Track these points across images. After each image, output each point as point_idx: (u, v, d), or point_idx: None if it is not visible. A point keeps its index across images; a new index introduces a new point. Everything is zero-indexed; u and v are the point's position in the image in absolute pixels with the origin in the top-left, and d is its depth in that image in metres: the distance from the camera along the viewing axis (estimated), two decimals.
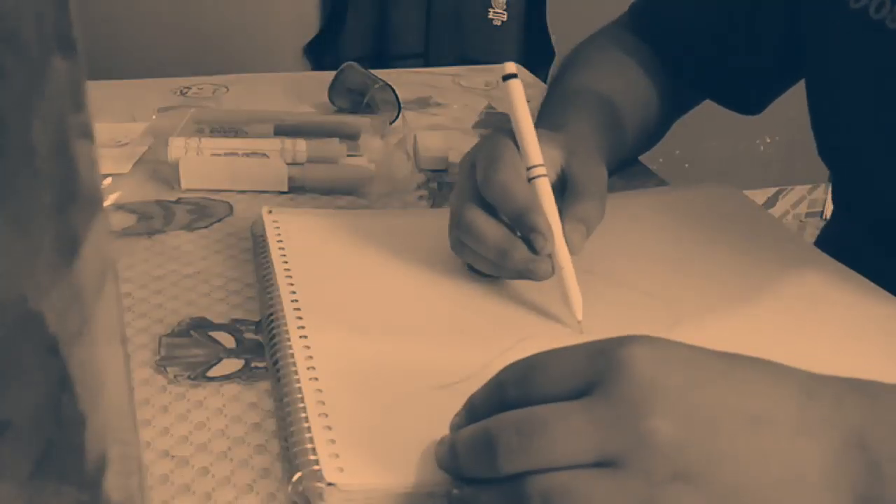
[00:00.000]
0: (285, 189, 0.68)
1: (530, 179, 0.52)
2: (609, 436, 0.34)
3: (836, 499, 0.34)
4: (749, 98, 0.73)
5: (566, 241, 0.51)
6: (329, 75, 0.85)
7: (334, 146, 0.70)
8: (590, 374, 0.36)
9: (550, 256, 0.51)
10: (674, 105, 0.75)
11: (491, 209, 0.52)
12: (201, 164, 0.68)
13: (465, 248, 0.53)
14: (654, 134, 0.74)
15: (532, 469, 0.34)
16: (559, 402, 0.35)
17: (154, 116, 0.80)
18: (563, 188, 0.54)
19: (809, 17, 0.64)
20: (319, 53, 1.69)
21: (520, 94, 0.53)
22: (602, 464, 0.34)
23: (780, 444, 0.34)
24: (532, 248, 0.50)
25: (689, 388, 0.35)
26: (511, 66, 0.54)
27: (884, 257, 0.57)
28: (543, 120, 0.64)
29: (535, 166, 0.52)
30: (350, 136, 0.72)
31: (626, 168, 0.72)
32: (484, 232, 0.51)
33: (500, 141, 0.53)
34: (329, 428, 0.41)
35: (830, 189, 0.71)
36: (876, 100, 0.59)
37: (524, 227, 0.50)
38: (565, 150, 0.55)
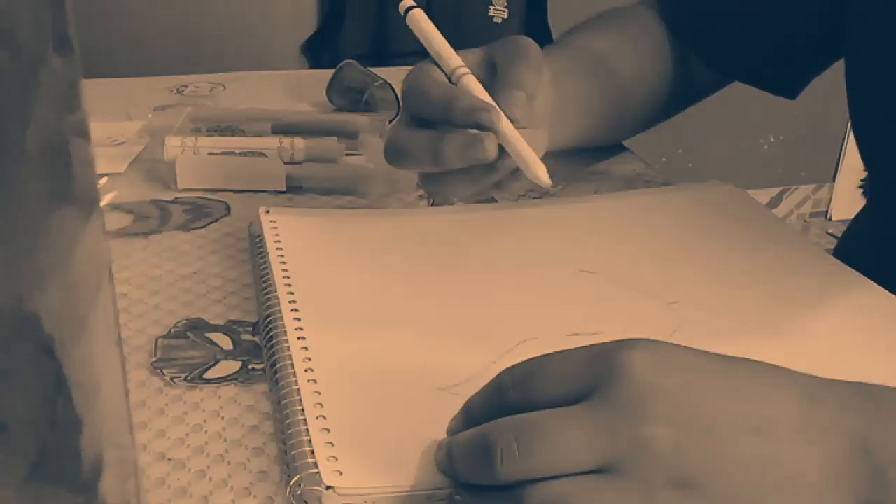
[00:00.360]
0: (283, 188, 0.68)
1: (455, 83, 0.50)
2: (607, 442, 0.33)
3: (839, 503, 0.34)
4: (788, 79, 0.71)
5: (505, 113, 0.47)
6: (327, 73, 0.85)
7: (333, 145, 0.70)
8: (589, 377, 0.35)
9: (496, 134, 0.47)
10: (689, 88, 0.73)
11: (424, 125, 0.50)
12: (198, 163, 0.68)
13: (427, 177, 0.51)
14: (660, 109, 0.73)
15: (531, 476, 0.34)
16: (558, 408, 0.35)
17: (150, 115, 0.80)
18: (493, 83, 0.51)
19: (851, 12, 0.63)
20: (318, 51, 1.69)
21: (425, 20, 0.53)
22: (601, 470, 0.34)
23: (781, 449, 0.34)
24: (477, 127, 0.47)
25: (688, 393, 0.34)
26: (408, 2, 0.54)
27: None
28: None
29: (455, 67, 0.51)
30: (349, 135, 0.72)
31: (628, 138, 0.71)
32: (409, 143, 0.49)
33: (419, 65, 0.52)
34: (327, 430, 0.41)
35: (868, 181, 0.70)
36: None
37: (459, 116, 0.47)
38: (484, 49, 0.54)
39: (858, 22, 0.62)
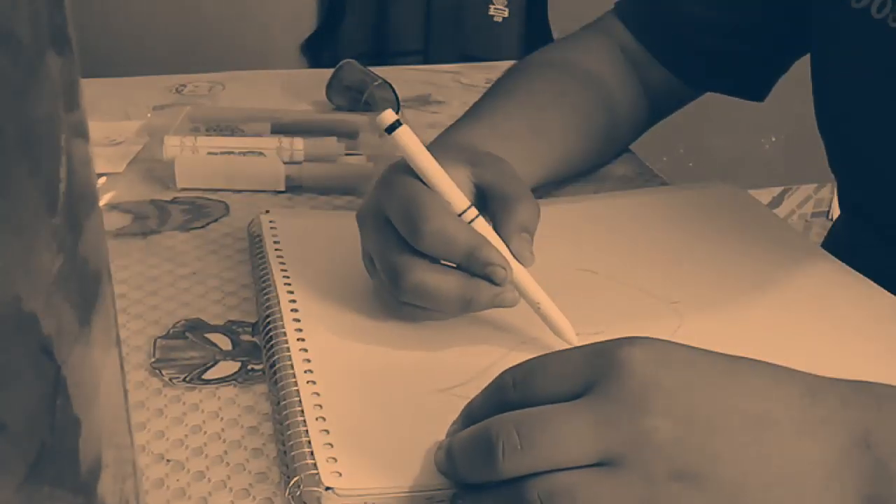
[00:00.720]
0: (282, 188, 0.68)
1: (469, 223, 0.48)
2: (609, 435, 0.34)
3: (842, 498, 0.34)
4: (753, 83, 0.72)
5: (516, 257, 0.48)
6: (327, 73, 0.85)
7: (332, 145, 0.70)
8: (589, 374, 0.35)
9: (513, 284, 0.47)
10: (655, 105, 0.74)
11: (427, 257, 0.47)
12: (197, 162, 0.67)
13: (417, 309, 0.48)
14: (624, 137, 0.74)
15: (534, 470, 0.34)
16: (559, 403, 0.35)
17: (149, 114, 0.80)
18: (482, 203, 0.50)
19: (815, 16, 0.64)
20: (317, 50, 1.69)
21: (413, 141, 0.47)
22: (603, 463, 0.34)
23: (782, 443, 0.34)
24: (491, 281, 0.46)
25: (688, 388, 0.35)
26: (390, 116, 0.47)
27: (891, 258, 0.57)
28: (468, 113, 0.63)
29: (465, 210, 0.48)
30: (348, 135, 0.72)
31: (613, 160, 0.72)
32: (439, 287, 0.46)
33: (410, 186, 0.47)
34: (326, 432, 0.41)
35: (836, 191, 0.71)
36: (880, 100, 0.59)
37: (477, 266, 0.46)
38: (470, 165, 0.51)
39: (825, 37, 0.63)
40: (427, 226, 0.46)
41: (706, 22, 0.70)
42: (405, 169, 0.48)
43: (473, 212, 0.48)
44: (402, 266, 0.46)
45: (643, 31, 0.72)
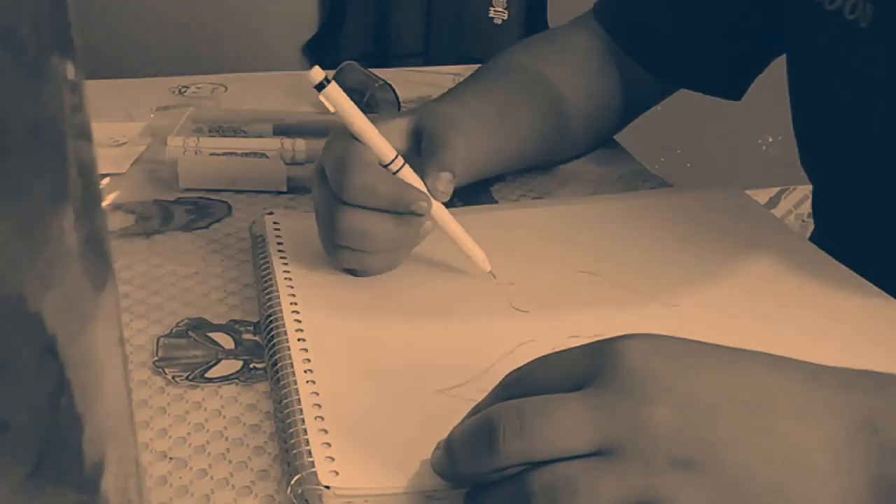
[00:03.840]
0: (284, 189, 0.68)
1: (395, 173, 0.52)
2: (608, 423, 0.34)
3: (849, 481, 0.34)
4: (730, 81, 0.72)
5: (430, 192, 0.52)
6: (329, 74, 0.85)
7: None
8: (589, 368, 0.36)
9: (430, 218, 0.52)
10: (633, 100, 0.74)
11: (363, 209, 0.52)
12: (200, 163, 0.68)
13: (350, 252, 0.53)
14: (604, 129, 0.75)
15: (533, 456, 0.34)
16: (559, 393, 0.35)
17: (152, 115, 0.80)
18: (418, 149, 0.55)
19: (790, 18, 0.64)
20: (319, 52, 1.69)
21: (341, 97, 0.51)
22: (603, 452, 0.34)
23: (784, 428, 0.34)
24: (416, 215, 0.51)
25: (686, 376, 0.35)
26: (318, 74, 0.50)
27: (863, 267, 0.56)
28: (442, 95, 0.66)
29: (392, 161, 0.52)
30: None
31: (597, 149, 0.73)
32: (366, 228, 0.52)
33: (341, 143, 0.52)
34: (325, 431, 0.41)
35: (812, 200, 0.71)
36: (854, 102, 0.59)
37: (402, 207, 0.51)
38: (411, 115, 0.57)
39: (800, 40, 0.63)
40: (350, 180, 0.51)
41: (679, 18, 0.70)
42: (343, 130, 0.53)
43: (399, 161, 0.52)
44: (336, 214, 0.52)
45: (617, 29, 0.73)
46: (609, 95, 0.73)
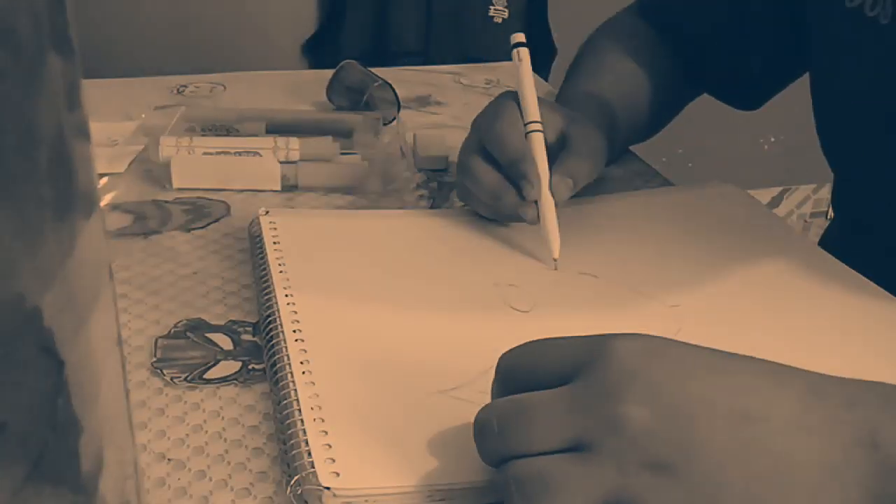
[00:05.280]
0: (278, 188, 0.68)
1: (527, 134, 0.58)
2: (584, 420, 0.34)
3: (842, 495, 0.33)
4: (748, 94, 0.74)
5: (552, 191, 0.57)
6: (328, 73, 0.85)
7: (327, 144, 0.70)
8: (579, 360, 0.36)
9: (536, 203, 0.56)
10: (678, 99, 0.76)
11: (492, 160, 0.58)
12: (193, 163, 0.68)
13: (468, 192, 0.60)
14: (653, 128, 0.76)
15: (509, 454, 0.35)
16: (542, 391, 0.36)
17: (143, 115, 0.80)
18: (560, 151, 0.59)
19: (812, 17, 0.64)
20: (318, 52, 1.69)
21: (526, 60, 0.60)
22: (579, 448, 0.34)
23: (770, 440, 0.33)
24: (521, 194, 0.56)
25: (673, 380, 0.34)
26: (520, 36, 0.61)
27: (885, 257, 0.57)
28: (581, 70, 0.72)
29: (531, 122, 0.58)
30: (343, 134, 0.72)
31: (620, 158, 0.74)
32: (481, 177, 0.58)
33: (504, 101, 0.60)
34: (325, 432, 0.41)
35: (832, 192, 0.71)
36: (875, 97, 0.59)
37: (516, 174, 0.56)
38: (566, 117, 0.61)
39: (822, 37, 0.64)
40: (495, 127, 0.58)
41: (709, 25, 0.71)
42: (510, 93, 0.60)
43: (538, 126, 0.58)
44: (469, 156, 0.59)
45: (653, 25, 0.75)
46: (660, 99, 0.75)
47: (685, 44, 0.73)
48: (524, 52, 0.61)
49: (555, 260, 0.56)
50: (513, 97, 0.60)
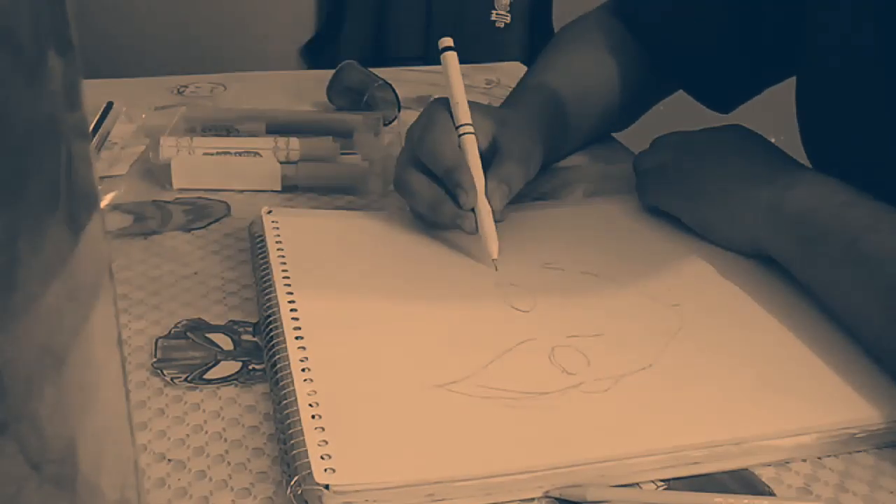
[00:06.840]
0: (278, 188, 0.68)
1: (459, 136, 0.58)
2: None
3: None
4: (720, 96, 0.73)
5: (488, 198, 0.57)
6: (328, 74, 0.85)
7: (328, 144, 0.70)
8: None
9: (474, 210, 0.56)
10: (645, 94, 0.76)
11: (427, 170, 0.58)
12: (193, 163, 0.67)
13: (406, 201, 0.60)
14: (616, 121, 0.77)
15: None
16: None
17: (143, 116, 0.79)
18: (493, 156, 0.59)
19: (802, 15, 0.64)
20: (317, 56, 1.69)
21: (454, 65, 0.60)
22: None
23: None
24: (458, 203, 0.56)
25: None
26: (448, 41, 0.61)
27: None
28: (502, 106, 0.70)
29: (462, 125, 0.58)
30: (343, 134, 0.72)
31: (577, 150, 0.75)
32: (417, 190, 0.58)
33: (435, 109, 0.60)
34: (322, 429, 0.41)
35: None
36: (865, 96, 0.59)
37: (451, 183, 0.56)
38: (497, 121, 0.61)
39: (813, 43, 0.63)
40: (427, 136, 0.58)
41: (688, 22, 0.71)
42: (442, 100, 0.60)
43: (469, 129, 0.58)
44: (403, 168, 0.59)
45: (628, 21, 0.74)
46: (626, 93, 0.74)
47: (656, 41, 0.73)
48: (452, 56, 0.60)
49: (494, 260, 0.55)
50: (444, 104, 0.60)
